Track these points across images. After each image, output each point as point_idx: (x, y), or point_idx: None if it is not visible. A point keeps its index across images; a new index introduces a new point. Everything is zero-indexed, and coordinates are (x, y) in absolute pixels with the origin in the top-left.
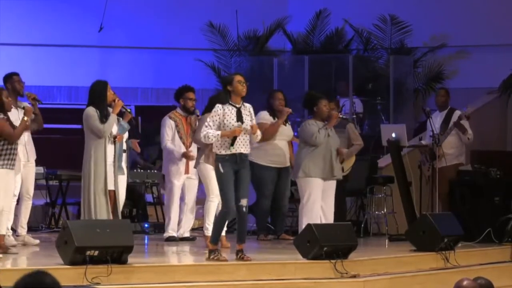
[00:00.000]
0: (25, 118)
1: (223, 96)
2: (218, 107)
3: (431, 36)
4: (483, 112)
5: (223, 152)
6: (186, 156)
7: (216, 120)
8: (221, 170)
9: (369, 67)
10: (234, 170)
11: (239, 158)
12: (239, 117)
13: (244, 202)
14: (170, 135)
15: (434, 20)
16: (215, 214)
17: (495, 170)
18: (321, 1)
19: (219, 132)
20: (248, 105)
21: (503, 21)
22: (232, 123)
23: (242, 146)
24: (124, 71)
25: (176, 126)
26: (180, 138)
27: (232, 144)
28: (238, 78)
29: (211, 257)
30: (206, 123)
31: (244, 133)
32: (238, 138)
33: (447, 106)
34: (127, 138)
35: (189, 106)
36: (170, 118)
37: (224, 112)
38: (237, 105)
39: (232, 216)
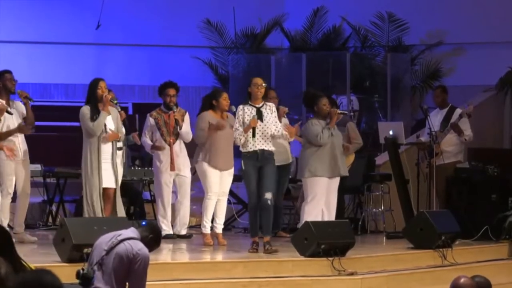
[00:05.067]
0: None
1: (215, 93)
2: (239, 107)
3: (428, 33)
4: (480, 110)
5: (244, 150)
6: (156, 147)
7: (240, 121)
8: (243, 167)
9: (366, 64)
10: (257, 166)
11: (261, 155)
12: (260, 116)
13: (268, 195)
14: (148, 134)
15: (430, 17)
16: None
17: (492, 167)
18: None
19: (241, 129)
20: (270, 104)
21: (499, 18)
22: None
23: (263, 143)
24: (121, 68)
25: (157, 123)
26: (162, 135)
27: (253, 136)
28: (255, 81)
29: (249, 250)
30: (234, 128)
31: (265, 130)
32: (258, 136)
33: (447, 104)
34: (124, 134)
35: (167, 103)
36: (151, 116)
37: (244, 112)
38: (257, 105)
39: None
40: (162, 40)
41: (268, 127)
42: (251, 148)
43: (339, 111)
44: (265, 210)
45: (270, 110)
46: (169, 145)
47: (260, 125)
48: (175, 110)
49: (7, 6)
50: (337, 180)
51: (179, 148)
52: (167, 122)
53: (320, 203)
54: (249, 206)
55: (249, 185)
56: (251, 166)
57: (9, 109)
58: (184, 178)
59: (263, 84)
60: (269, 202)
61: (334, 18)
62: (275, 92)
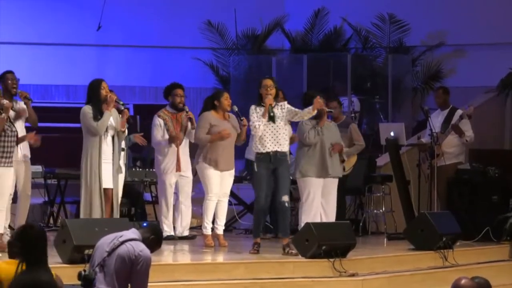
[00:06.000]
0: (2, 115)
1: (217, 94)
2: (252, 107)
3: (429, 34)
4: (481, 111)
5: (258, 151)
6: (172, 138)
7: (254, 117)
8: (255, 169)
9: (367, 65)
10: (270, 169)
11: (274, 156)
12: (272, 118)
13: (285, 198)
14: (159, 134)
15: (431, 18)
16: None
17: (493, 168)
18: None
19: (257, 122)
20: (282, 104)
21: (500, 20)
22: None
23: (275, 145)
24: (122, 69)
25: (165, 124)
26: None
27: (271, 119)
28: (264, 83)
29: (250, 251)
30: (251, 123)
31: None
32: (270, 137)
33: (448, 105)
34: (125, 135)
35: (177, 103)
36: (159, 116)
37: (257, 112)
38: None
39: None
40: (163, 41)
41: (280, 128)
42: (264, 149)
43: (326, 109)
44: (282, 212)
45: (282, 110)
46: (177, 146)
47: (272, 126)
48: (187, 110)
49: (8, 7)
50: (333, 181)
51: (184, 149)
52: (179, 121)
53: (315, 203)
54: (256, 208)
55: (259, 186)
56: (264, 168)
57: (14, 106)
58: (187, 179)
59: (272, 85)
60: (286, 204)
61: (335, 19)
62: (283, 92)
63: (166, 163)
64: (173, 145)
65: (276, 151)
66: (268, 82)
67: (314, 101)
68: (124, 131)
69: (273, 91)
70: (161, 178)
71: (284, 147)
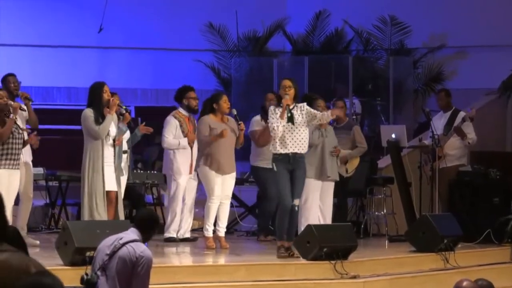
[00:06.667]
0: (11, 116)
1: (216, 96)
2: (271, 108)
3: (430, 36)
4: (482, 113)
5: (276, 151)
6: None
7: (273, 117)
8: (274, 168)
9: (368, 67)
10: (289, 169)
11: (293, 158)
12: (291, 119)
13: (296, 202)
14: (173, 134)
15: (433, 20)
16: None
17: (495, 170)
18: (321, 1)
19: (275, 123)
20: (301, 105)
21: (502, 21)
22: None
23: (295, 146)
24: (123, 71)
25: (181, 126)
26: (185, 137)
27: (290, 121)
28: (283, 83)
29: (278, 256)
30: (270, 124)
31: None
32: (290, 139)
33: (451, 107)
34: (128, 138)
35: (193, 106)
36: (175, 117)
37: (276, 114)
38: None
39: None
40: (165, 43)
41: (300, 130)
42: (283, 150)
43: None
44: (292, 216)
45: (301, 112)
46: (191, 146)
47: (292, 127)
48: None
49: (9, 9)
50: (331, 185)
51: (193, 152)
52: (192, 122)
53: (314, 205)
54: (283, 208)
55: (283, 187)
56: (283, 168)
57: (22, 106)
58: (193, 181)
59: (291, 86)
60: (296, 208)
61: (336, 22)
62: (275, 94)
63: (179, 165)
64: (187, 146)
65: (295, 153)
66: (287, 82)
67: (333, 110)
68: (118, 144)
69: (292, 92)
70: (174, 180)
71: (303, 149)
